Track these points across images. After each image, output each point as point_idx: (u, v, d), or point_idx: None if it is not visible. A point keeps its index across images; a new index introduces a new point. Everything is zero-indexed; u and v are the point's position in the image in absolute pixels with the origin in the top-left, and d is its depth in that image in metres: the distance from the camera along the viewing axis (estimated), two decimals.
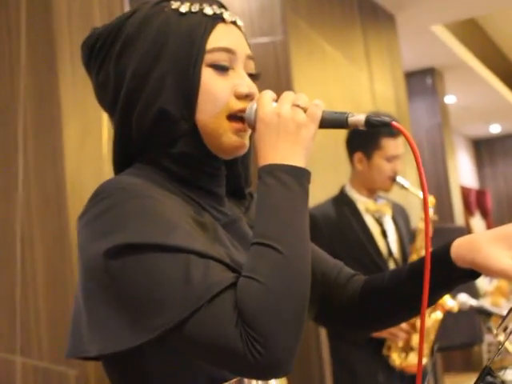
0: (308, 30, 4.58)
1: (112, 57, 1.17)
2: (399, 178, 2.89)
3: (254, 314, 0.97)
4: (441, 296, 1.25)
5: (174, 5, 1.17)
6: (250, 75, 1.20)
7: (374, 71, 5.71)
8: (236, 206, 1.27)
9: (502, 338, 1.11)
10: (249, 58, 1.21)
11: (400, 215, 3.02)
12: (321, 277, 1.32)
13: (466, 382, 7.42)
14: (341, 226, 2.85)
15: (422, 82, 8.44)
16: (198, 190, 1.17)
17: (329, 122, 1.11)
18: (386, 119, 1.09)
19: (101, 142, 3.18)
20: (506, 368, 1.18)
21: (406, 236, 2.97)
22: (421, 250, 2.80)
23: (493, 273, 1.13)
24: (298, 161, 1.07)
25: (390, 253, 2.87)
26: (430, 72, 8.43)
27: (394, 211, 2.98)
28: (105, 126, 3.19)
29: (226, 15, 1.19)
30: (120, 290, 1.01)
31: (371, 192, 2.95)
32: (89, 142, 3.13)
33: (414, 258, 2.81)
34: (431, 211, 2.85)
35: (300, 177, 1.07)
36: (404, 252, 2.92)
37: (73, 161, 3.04)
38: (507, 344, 1.23)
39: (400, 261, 2.88)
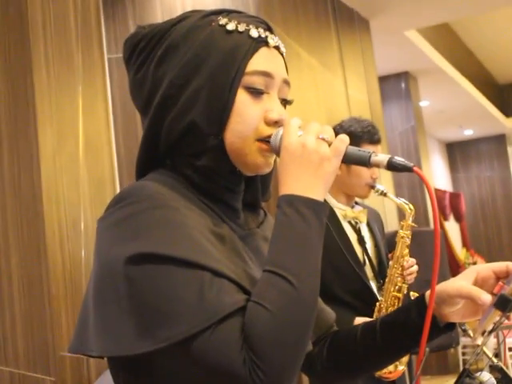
0: (283, 35, 4.59)
1: (153, 60, 1.18)
2: (379, 185, 2.90)
3: (259, 341, 0.98)
4: (416, 346, 1.23)
5: (222, 21, 1.17)
6: (284, 100, 1.21)
7: (349, 76, 5.75)
8: (250, 219, 1.28)
9: (479, 341, 1.13)
10: (285, 82, 1.22)
11: (375, 221, 3.02)
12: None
13: None
14: None
15: (396, 86, 8.51)
16: (216, 202, 1.18)
17: (351, 159, 1.11)
18: (409, 164, 1.09)
19: (77, 149, 3.17)
20: (482, 370, 1.20)
21: (381, 241, 2.97)
22: (401, 258, 2.77)
23: (462, 294, 1.15)
24: (317, 194, 1.08)
25: (368, 260, 2.88)
26: (403, 76, 8.50)
27: (368, 217, 2.99)
28: (81, 133, 3.18)
29: (271, 39, 1.19)
30: (134, 297, 1.01)
31: (349, 199, 2.95)
32: (65, 148, 3.12)
33: (392, 265, 2.79)
34: (411, 220, 2.84)
35: (319, 211, 1.07)
36: (380, 258, 2.92)
37: (49, 168, 3.03)
38: (484, 347, 1.26)
39: (376, 267, 2.88)
